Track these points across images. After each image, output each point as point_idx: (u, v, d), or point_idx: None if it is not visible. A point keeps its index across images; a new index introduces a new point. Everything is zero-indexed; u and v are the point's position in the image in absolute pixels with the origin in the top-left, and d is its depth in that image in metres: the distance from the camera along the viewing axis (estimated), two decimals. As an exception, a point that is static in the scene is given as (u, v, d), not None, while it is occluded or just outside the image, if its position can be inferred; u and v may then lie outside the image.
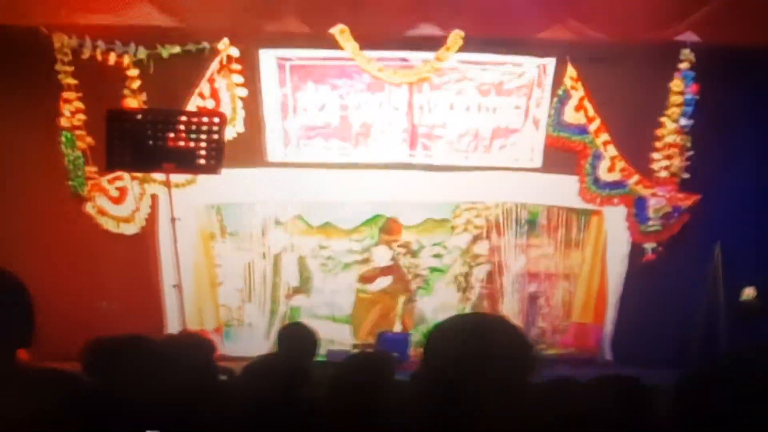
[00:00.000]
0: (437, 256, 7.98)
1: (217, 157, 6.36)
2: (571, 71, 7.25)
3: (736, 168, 7.41)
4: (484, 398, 1.67)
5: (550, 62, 7.28)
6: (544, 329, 8.13)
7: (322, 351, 7.07)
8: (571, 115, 7.34)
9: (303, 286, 8.05)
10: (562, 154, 7.48)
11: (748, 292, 7.12)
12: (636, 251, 7.67)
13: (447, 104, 7.30)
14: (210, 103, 7.11)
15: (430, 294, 8.01)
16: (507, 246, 7.98)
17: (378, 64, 7.09)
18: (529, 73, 7.27)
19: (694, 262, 7.45)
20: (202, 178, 7.07)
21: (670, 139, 7.37)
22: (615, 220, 7.72)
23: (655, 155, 7.44)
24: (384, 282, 7.85)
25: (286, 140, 7.37)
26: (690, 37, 7.10)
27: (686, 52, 7.23)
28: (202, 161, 6.33)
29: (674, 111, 7.33)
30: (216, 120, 6.38)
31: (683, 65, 7.28)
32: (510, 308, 8.04)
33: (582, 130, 7.38)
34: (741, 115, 7.33)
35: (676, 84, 7.29)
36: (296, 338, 4.58)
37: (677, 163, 7.41)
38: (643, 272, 7.62)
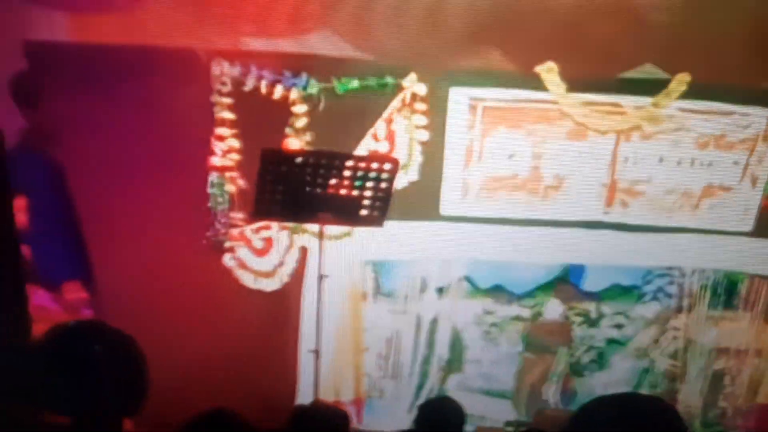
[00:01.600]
0: (618, 326, 6.99)
1: (383, 207, 5.58)
2: (800, 124, 6.32)
3: None
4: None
5: (780, 113, 6.33)
6: (725, 409, 7.20)
7: (470, 428, 6.22)
8: (793, 174, 6.42)
9: (455, 362, 7.05)
10: (777, 217, 6.55)
11: None
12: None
13: (657, 156, 6.32)
14: (384, 146, 6.15)
15: (605, 368, 7.00)
16: (699, 318, 7.00)
17: (584, 108, 6.12)
18: (756, 125, 6.30)
19: None
20: (361, 231, 6.16)
21: None
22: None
23: None
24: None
25: (465, 191, 6.37)
26: None
27: None
28: (365, 212, 5.55)
29: None
30: (388, 166, 5.53)
31: None
32: (691, 386, 7.10)
33: (804, 192, 6.45)
34: None
35: None
36: (439, 415, 4.23)
37: None
38: None
